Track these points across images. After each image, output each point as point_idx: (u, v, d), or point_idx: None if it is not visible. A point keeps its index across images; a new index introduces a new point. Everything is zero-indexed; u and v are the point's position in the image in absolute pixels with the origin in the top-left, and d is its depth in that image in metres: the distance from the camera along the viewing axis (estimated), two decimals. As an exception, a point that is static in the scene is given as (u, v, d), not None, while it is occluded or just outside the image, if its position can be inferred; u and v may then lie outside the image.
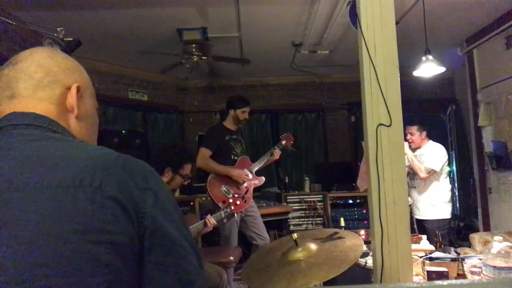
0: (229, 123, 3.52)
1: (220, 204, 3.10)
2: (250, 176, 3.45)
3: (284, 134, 3.79)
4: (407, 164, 3.33)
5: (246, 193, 3.34)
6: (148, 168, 0.78)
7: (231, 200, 2.91)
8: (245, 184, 3.37)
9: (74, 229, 0.65)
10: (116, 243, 0.67)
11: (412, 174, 3.54)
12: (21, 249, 0.63)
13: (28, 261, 0.63)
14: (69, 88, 0.83)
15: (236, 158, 3.43)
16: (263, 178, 3.56)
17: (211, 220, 2.61)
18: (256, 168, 3.51)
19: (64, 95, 0.83)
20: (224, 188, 3.30)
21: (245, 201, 3.32)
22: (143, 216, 0.71)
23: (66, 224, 0.65)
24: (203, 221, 2.59)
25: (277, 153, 3.58)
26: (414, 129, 3.57)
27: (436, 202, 3.50)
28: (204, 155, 3.31)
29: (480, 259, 1.92)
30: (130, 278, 0.70)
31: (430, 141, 3.63)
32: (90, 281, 0.64)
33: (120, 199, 0.69)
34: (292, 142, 3.72)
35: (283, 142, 3.67)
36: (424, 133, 3.61)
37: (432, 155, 3.50)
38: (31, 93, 0.81)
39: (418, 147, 3.60)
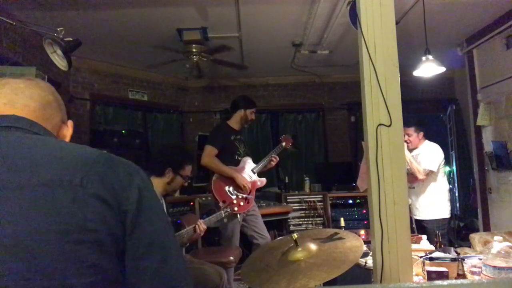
0: (234, 123, 3.50)
1: (221, 204, 3.11)
2: (253, 177, 3.45)
3: (283, 136, 3.77)
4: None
5: (249, 194, 3.34)
6: (134, 166, 0.77)
7: (235, 201, 2.91)
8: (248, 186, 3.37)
9: (56, 229, 0.63)
10: (101, 242, 0.65)
11: (410, 174, 3.54)
12: (1, 250, 0.61)
13: (9, 263, 0.60)
14: (64, 122, 0.89)
15: (239, 158, 3.42)
16: (265, 180, 3.56)
17: (201, 226, 2.58)
18: (258, 169, 3.51)
19: (59, 125, 0.87)
20: (228, 189, 3.29)
21: (248, 202, 3.31)
22: (126, 213, 0.69)
23: (47, 223, 0.63)
24: (192, 226, 2.57)
25: (274, 161, 3.57)
26: (411, 130, 3.56)
27: (435, 202, 3.50)
28: (210, 153, 3.29)
29: (480, 259, 1.92)
30: (116, 278, 0.68)
31: (426, 140, 3.64)
32: (74, 283, 0.63)
33: (104, 197, 0.67)
34: (291, 144, 3.72)
35: (283, 143, 3.67)
36: (421, 133, 3.61)
37: (429, 156, 3.51)
38: (38, 107, 0.82)
39: (415, 148, 3.61)
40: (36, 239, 0.62)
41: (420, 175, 3.42)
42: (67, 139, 0.89)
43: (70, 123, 0.92)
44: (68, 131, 0.90)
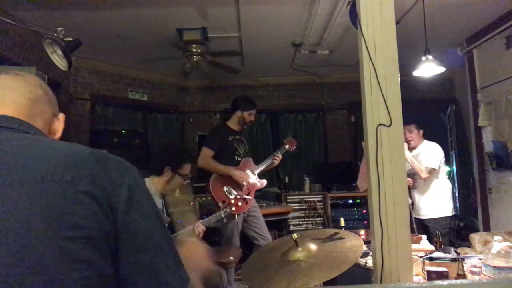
0: (233, 124, 3.50)
1: (220, 204, 3.10)
2: (253, 178, 3.44)
3: (287, 138, 3.76)
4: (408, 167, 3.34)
5: (248, 194, 3.33)
6: (125, 164, 0.78)
7: (232, 201, 2.90)
8: (247, 185, 3.36)
9: (46, 225, 0.64)
10: (92, 238, 0.66)
11: (412, 174, 3.54)
12: None
13: (1, 259, 0.61)
14: (55, 115, 0.90)
15: (239, 159, 3.41)
16: (265, 181, 3.53)
17: (200, 228, 2.58)
18: (258, 171, 3.49)
19: (51, 119, 0.88)
20: (226, 189, 3.29)
21: (247, 203, 3.30)
22: (116, 211, 0.70)
23: (38, 219, 0.64)
24: (192, 227, 2.56)
25: (278, 160, 3.56)
26: (413, 127, 3.59)
27: (438, 200, 3.50)
28: (205, 155, 3.29)
29: (480, 259, 1.92)
30: (108, 273, 0.69)
31: (425, 140, 3.66)
32: (66, 278, 0.64)
33: (94, 194, 0.68)
34: (295, 147, 3.72)
35: (286, 146, 3.65)
36: (421, 131, 3.64)
37: (429, 154, 3.52)
38: (27, 103, 0.82)
39: (415, 147, 3.61)
40: (28, 235, 0.63)
41: (423, 174, 3.43)
42: (59, 133, 0.90)
43: (61, 116, 0.92)
44: (59, 125, 0.90)
